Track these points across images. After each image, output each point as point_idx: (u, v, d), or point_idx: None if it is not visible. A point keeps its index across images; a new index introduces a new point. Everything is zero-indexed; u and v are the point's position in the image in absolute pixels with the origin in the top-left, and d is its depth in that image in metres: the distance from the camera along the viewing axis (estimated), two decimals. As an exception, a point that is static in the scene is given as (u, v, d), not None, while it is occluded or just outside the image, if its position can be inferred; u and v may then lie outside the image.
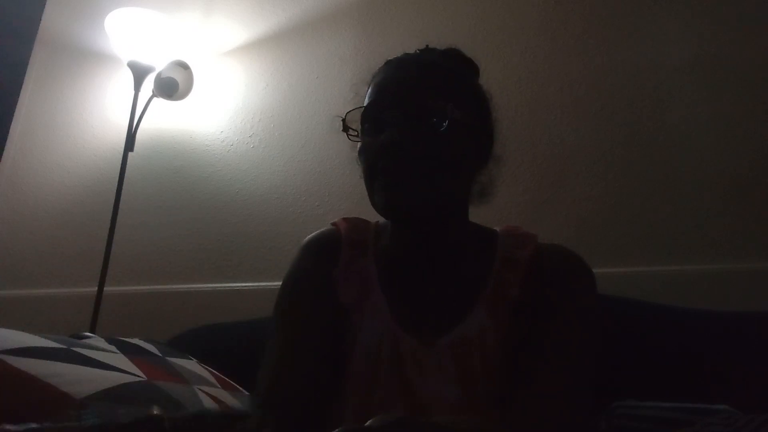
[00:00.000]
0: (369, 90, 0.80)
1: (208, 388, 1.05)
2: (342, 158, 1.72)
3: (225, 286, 1.71)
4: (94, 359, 0.92)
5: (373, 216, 0.88)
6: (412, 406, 0.73)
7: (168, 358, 1.12)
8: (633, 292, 1.20)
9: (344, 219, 0.89)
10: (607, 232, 1.44)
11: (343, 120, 0.80)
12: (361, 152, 0.78)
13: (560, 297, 0.75)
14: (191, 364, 1.14)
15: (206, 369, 1.16)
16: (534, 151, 1.56)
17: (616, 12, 1.60)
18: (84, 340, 1.01)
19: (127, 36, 1.79)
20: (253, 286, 1.66)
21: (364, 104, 0.80)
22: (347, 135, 0.80)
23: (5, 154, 2.06)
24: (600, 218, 1.46)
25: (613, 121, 1.52)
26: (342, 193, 1.71)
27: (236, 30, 1.98)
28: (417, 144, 0.72)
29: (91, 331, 1.48)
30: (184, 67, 1.83)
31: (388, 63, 0.83)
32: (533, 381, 0.69)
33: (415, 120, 0.73)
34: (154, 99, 1.81)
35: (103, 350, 0.99)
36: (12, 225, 1.98)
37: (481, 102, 0.83)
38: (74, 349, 0.93)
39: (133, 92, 1.81)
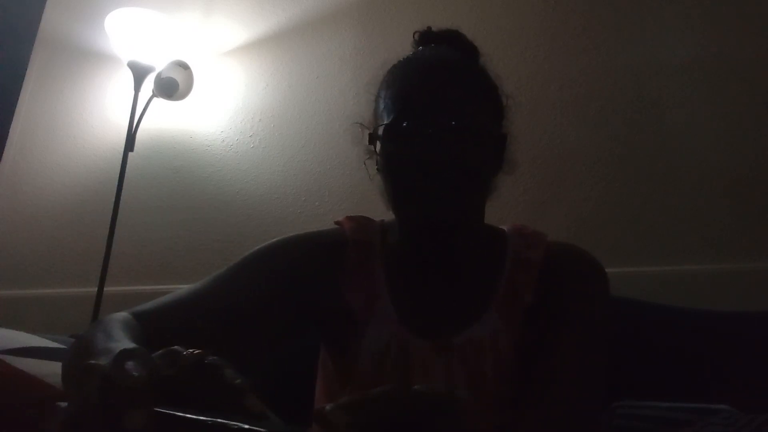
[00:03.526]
0: (386, 95, 0.76)
1: (208, 388, 1.05)
2: (342, 158, 1.72)
3: (225, 286, 1.70)
4: (94, 359, 0.92)
5: (373, 215, 0.88)
6: None
7: (168, 358, 1.11)
8: (633, 292, 1.20)
9: (349, 218, 0.86)
10: (607, 232, 1.44)
11: (372, 134, 0.76)
12: (389, 164, 0.74)
13: (575, 300, 0.74)
14: (191, 364, 1.14)
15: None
16: (534, 151, 1.56)
17: (616, 12, 1.60)
18: (84, 340, 1.01)
19: (127, 36, 1.79)
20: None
21: (380, 109, 0.76)
22: (375, 151, 0.76)
23: (5, 154, 2.06)
24: (600, 218, 1.46)
25: (613, 121, 1.52)
26: (342, 193, 1.71)
27: (236, 30, 1.98)
28: (456, 160, 0.70)
29: (91, 331, 1.48)
30: (184, 67, 1.83)
31: (404, 66, 0.79)
32: (546, 385, 0.68)
33: (453, 135, 0.70)
34: (154, 99, 1.81)
35: (103, 350, 0.99)
36: (12, 225, 1.97)
37: (501, 102, 0.82)
38: (74, 349, 0.93)
39: (133, 92, 1.80)
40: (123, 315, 0.66)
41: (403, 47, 0.90)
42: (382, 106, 0.76)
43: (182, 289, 0.73)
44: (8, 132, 2.08)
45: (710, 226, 1.37)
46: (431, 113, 0.71)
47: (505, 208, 1.50)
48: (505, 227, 0.85)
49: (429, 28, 0.86)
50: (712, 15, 1.51)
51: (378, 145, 0.76)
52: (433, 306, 0.78)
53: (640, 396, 0.93)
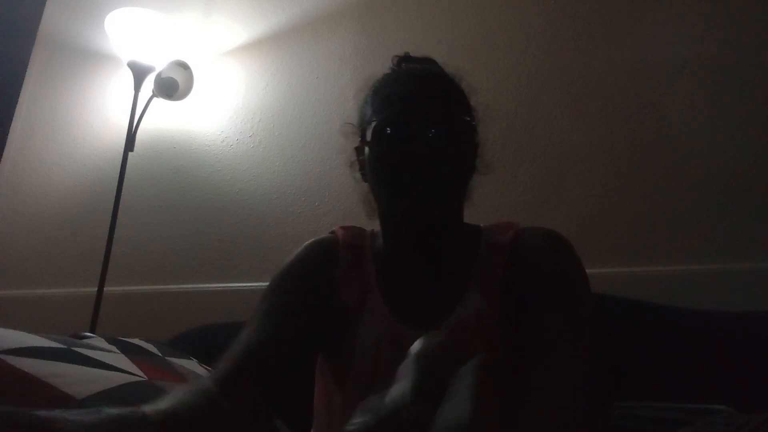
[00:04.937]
0: (374, 101, 0.82)
1: (208, 388, 1.05)
2: (342, 158, 1.72)
3: (225, 286, 1.71)
4: (95, 359, 0.92)
5: (372, 214, 0.89)
6: None
7: (168, 358, 1.12)
8: (633, 292, 1.20)
9: (341, 227, 0.92)
10: (607, 232, 1.44)
11: (363, 133, 0.81)
12: (380, 162, 0.79)
13: (546, 268, 0.78)
14: (191, 364, 1.14)
15: (206, 369, 1.16)
16: (534, 151, 1.56)
17: (616, 12, 1.60)
18: (84, 340, 1.01)
19: (127, 36, 1.79)
20: (253, 286, 1.66)
21: (368, 114, 0.81)
22: (368, 147, 0.80)
23: (5, 154, 2.06)
24: (600, 218, 1.46)
25: (613, 120, 1.52)
26: (342, 193, 1.71)
27: (236, 30, 1.98)
28: (446, 157, 0.75)
29: (91, 331, 1.48)
30: (184, 67, 1.83)
31: (390, 77, 0.85)
32: (537, 353, 0.70)
33: (444, 133, 0.76)
34: (154, 99, 1.81)
35: (104, 350, 0.99)
36: (12, 225, 1.98)
37: (474, 115, 0.87)
38: (74, 349, 0.93)
39: (133, 92, 1.81)
40: (208, 391, 0.69)
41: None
42: (370, 111, 0.82)
43: (242, 336, 0.77)
44: (8, 132, 2.08)
45: (710, 226, 1.37)
46: (421, 116, 0.76)
47: (505, 208, 1.50)
48: (482, 224, 0.90)
49: (407, 53, 0.92)
50: (712, 15, 1.51)
51: (366, 147, 0.81)
52: (420, 298, 0.82)
53: (640, 396, 0.93)
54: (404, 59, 0.91)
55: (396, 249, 0.85)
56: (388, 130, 0.77)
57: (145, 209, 1.87)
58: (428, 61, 0.91)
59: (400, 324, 0.80)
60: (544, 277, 0.76)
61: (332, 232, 0.92)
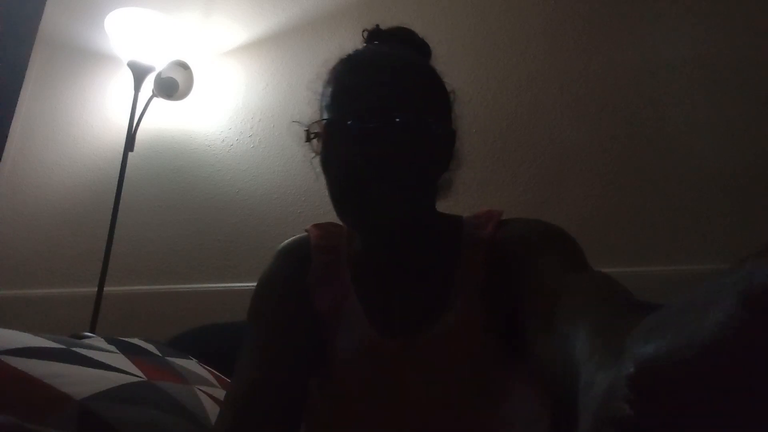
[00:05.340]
0: (329, 91, 0.75)
1: (207, 388, 1.05)
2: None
3: (225, 286, 1.71)
4: (94, 359, 0.92)
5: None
6: (397, 405, 0.71)
7: (168, 358, 1.12)
8: (633, 292, 1.20)
9: (315, 225, 0.86)
10: (608, 231, 1.44)
11: (308, 131, 0.74)
12: (330, 164, 0.72)
13: (531, 244, 0.70)
14: (191, 364, 1.14)
15: (206, 369, 1.16)
16: (534, 151, 1.56)
17: (615, 12, 1.60)
18: (84, 340, 1.02)
19: (127, 36, 1.79)
20: (253, 286, 1.66)
21: (324, 105, 0.74)
22: (312, 147, 0.74)
23: (5, 154, 2.06)
24: (600, 218, 1.46)
25: (613, 121, 1.52)
26: (342, 193, 1.71)
27: (236, 30, 1.98)
28: (396, 158, 0.69)
29: (91, 331, 1.48)
30: (184, 67, 1.83)
31: (346, 62, 0.77)
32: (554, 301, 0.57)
33: (394, 132, 0.68)
34: (154, 99, 1.81)
35: (103, 350, 0.99)
36: (12, 225, 1.98)
37: (447, 101, 0.79)
38: (74, 349, 0.93)
39: (133, 92, 1.81)
40: None
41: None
42: (324, 102, 0.75)
43: (238, 378, 0.72)
44: (8, 132, 2.08)
45: (710, 226, 1.37)
46: (372, 109, 0.69)
47: (505, 208, 1.50)
48: (464, 215, 0.83)
49: (377, 26, 0.84)
50: (712, 15, 1.51)
51: (320, 142, 0.73)
52: (399, 304, 0.76)
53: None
54: (374, 34, 0.82)
55: (368, 251, 0.79)
56: (341, 128, 0.70)
57: (145, 209, 1.87)
58: (402, 34, 0.82)
59: (378, 332, 0.73)
60: (532, 253, 0.67)
61: (307, 230, 0.85)
